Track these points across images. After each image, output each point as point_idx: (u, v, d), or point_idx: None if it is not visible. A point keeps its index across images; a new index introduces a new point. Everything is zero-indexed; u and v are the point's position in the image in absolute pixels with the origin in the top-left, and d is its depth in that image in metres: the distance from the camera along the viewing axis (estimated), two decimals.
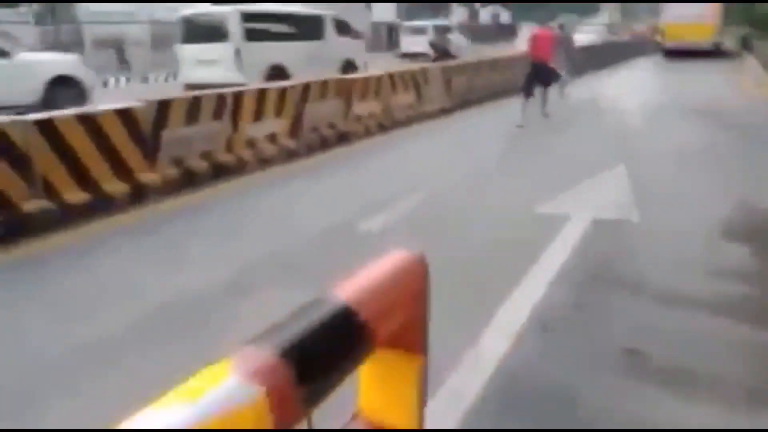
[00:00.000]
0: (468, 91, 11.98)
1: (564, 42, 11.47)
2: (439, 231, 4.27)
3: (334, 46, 13.66)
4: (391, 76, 9.49)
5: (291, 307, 1.03)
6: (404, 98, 9.79)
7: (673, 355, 2.53)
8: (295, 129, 7.31)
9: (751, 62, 18.19)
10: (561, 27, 12.67)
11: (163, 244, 4.17)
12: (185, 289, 3.31)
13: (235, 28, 11.53)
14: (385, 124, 9.02)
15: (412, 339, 1.24)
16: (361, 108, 8.62)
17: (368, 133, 8.57)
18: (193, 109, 5.94)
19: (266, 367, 0.82)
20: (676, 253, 3.71)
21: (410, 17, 40.42)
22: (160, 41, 20.15)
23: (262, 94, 6.89)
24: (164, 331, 2.86)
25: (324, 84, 7.93)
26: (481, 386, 2.33)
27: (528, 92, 9.27)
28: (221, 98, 6.31)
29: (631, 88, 14.41)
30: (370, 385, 1.27)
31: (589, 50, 18.52)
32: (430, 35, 23.64)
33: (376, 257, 1.21)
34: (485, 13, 56.01)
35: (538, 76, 9.42)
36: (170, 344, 2.72)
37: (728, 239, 3.92)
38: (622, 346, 2.59)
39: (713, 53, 22.47)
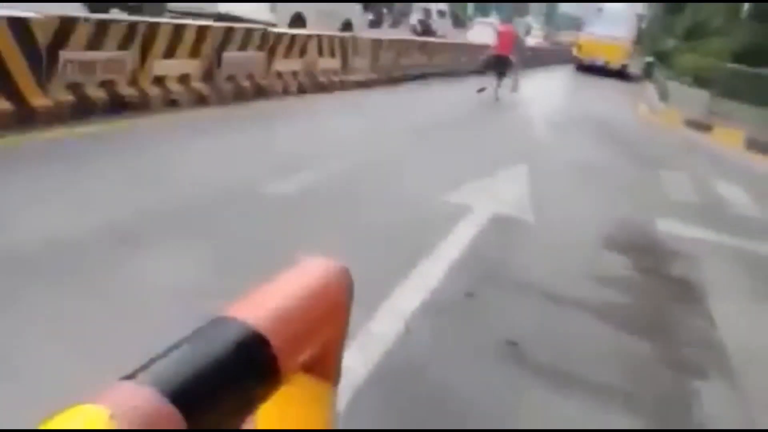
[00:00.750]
0: (394, 67, 11.95)
1: (519, 41, 12.69)
2: (347, 205, 4.24)
3: (339, 7, 15.12)
4: (319, 38, 9.21)
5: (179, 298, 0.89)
6: (330, 63, 9.56)
7: (550, 351, 2.70)
8: (209, 74, 6.89)
9: (650, 89, 19.83)
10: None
11: (35, 177, 3.75)
12: (47, 234, 3.01)
13: None
14: (306, 86, 8.77)
15: (326, 365, 1.05)
16: (283, 65, 8.30)
17: (287, 92, 8.29)
18: (99, 32, 5.37)
19: (147, 412, 0.64)
20: (564, 256, 3.96)
21: None
22: None
23: (178, 30, 6.40)
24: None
25: (248, 33, 7.52)
26: (368, 369, 2.34)
27: (500, 74, 11.24)
28: (132, 27, 5.77)
29: (551, 92, 15.13)
30: (268, 419, 1.03)
31: (533, 50, 19.96)
32: (419, 15, 28.13)
33: (289, 266, 1.04)
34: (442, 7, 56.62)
35: (499, 65, 11.19)
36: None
37: (610, 249, 4.24)
38: (504, 337, 2.72)
39: (621, 74, 24.03)
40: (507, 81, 11.54)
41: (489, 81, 11.33)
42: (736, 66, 13.28)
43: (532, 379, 2.47)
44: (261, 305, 0.89)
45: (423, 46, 13.86)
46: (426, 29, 25.92)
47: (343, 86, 9.67)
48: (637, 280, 3.75)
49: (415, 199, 4.58)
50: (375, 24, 23.22)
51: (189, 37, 6.51)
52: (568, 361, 2.63)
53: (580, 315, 3.12)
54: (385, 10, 31.07)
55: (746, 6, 12.96)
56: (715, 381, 2.67)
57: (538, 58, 21.53)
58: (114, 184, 3.83)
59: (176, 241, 3.12)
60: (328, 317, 1.04)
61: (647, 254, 4.28)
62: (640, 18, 27.70)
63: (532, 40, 25.69)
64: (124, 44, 5.69)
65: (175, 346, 0.76)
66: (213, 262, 2.94)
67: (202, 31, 6.72)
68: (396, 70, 11.98)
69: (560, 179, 6.16)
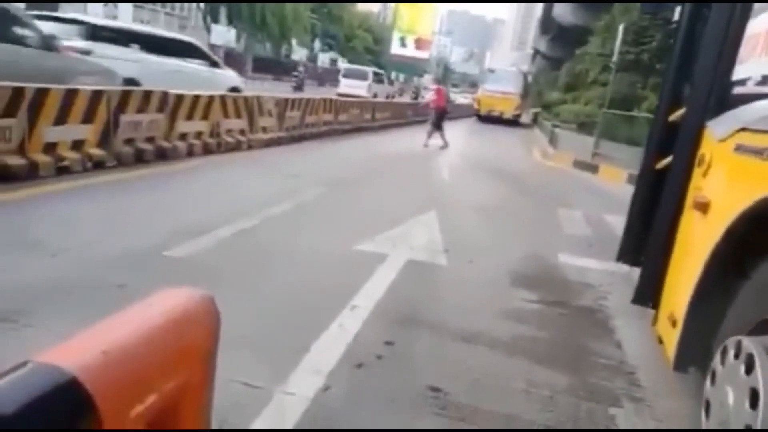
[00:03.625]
0: (300, 125, 12.11)
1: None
2: (256, 265, 4.14)
3: (219, 77, 12.95)
4: (222, 98, 9.18)
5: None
6: (236, 123, 9.52)
7: (469, 392, 2.72)
8: (106, 138, 6.62)
9: (540, 136, 21.90)
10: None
11: None
12: None
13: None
14: (213, 147, 8.64)
15: (183, 415, 0.86)
16: (186, 126, 8.16)
17: (192, 153, 8.12)
18: None
19: None
20: (476, 296, 4.08)
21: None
22: None
23: (70, 94, 6.14)
24: None
25: (146, 95, 7.35)
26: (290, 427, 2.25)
27: (438, 126, 14.01)
28: (18, 91, 5.47)
29: (455, 141, 15.96)
30: None
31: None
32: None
33: (143, 296, 0.87)
34: (324, 56, 58.51)
35: (439, 117, 14.01)
36: None
37: (518, 286, 4.42)
38: (426, 383, 2.72)
39: (514, 122, 28.29)
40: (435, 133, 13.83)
41: (401, 134, 11.85)
42: (612, 111, 14.77)
43: (454, 421, 2.47)
44: (86, 346, 0.73)
45: (328, 103, 14.19)
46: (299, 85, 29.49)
47: (251, 145, 9.63)
48: (545, 313, 3.93)
49: (329, 252, 4.57)
50: (298, 89, 25.19)
51: (82, 101, 6.25)
52: (487, 401, 2.67)
53: (495, 353, 3.19)
54: (301, 69, 32.64)
55: (614, 58, 14.56)
56: (628, 405, 2.81)
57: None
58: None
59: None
60: (180, 357, 0.85)
61: (552, 287, 4.51)
62: (525, 75, 33.16)
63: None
64: (11, 111, 5.37)
65: None
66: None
67: (96, 95, 6.48)
68: (303, 128, 12.14)
69: (467, 222, 6.42)
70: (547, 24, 43.82)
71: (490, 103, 28.28)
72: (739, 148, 2.49)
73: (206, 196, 6.11)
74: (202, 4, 41.99)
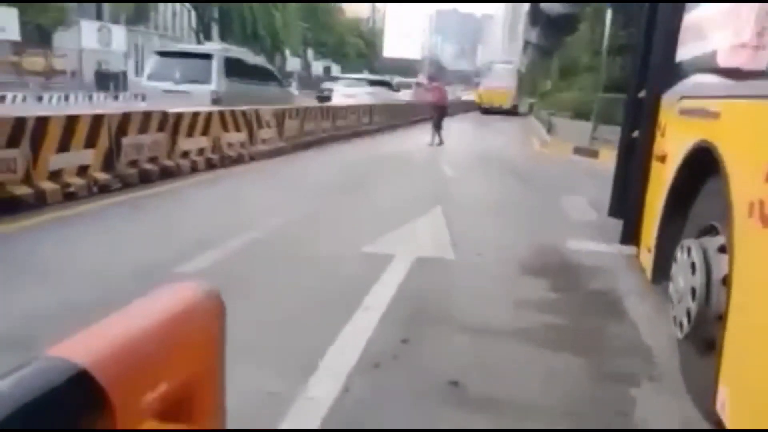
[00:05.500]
0: (300, 134, 12.17)
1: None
2: (267, 274, 4.19)
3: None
4: (221, 113, 9.26)
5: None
6: (236, 137, 9.59)
7: (488, 383, 2.75)
8: (109, 161, 6.68)
9: (537, 125, 22.13)
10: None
11: None
12: None
13: None
14: (215, 162, 8.71)
15: (194, 407, 0.87)
16: (188, 144, 8.22)
17: (196, 169, 8.19)
18: None
19: None
20: (487, 288, 4.10)
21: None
22: None
23: (71, 121, 6.21)
24: None
25: (146, 116, 7.43)
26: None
27: (438, 126, 13.94)
28: (19, 122, 5.54)
29: (460, 133, 16.07)
30: None
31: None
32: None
33: (148, 290, 0.88)
34: (317, 65, 58.81)
35: (440, 115, 13.96)
36: None
37: (527, 274, 4.45)
38: (444, 378, 2.74)
39: (511, 112, 32.33)
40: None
41: (401, 135, 11.88)
42: (607, 95, 14.76)
43: (477, 414, 2.50)
44: (96, 340, 0.74)
45: (325, 111, 14.26)
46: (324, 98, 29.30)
47: (253, 157, 9.69)
48: (557, 299, 3.95)
49: (338, 256, 4.60)
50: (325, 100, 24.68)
51: (83, 127, 6.32)
52: (508, 392, 2.69)
53: (509, 343, 3.22)
54: (328, 85, 31.60)
55: (605, 44, 14.56)
56: (647, 384, 2.82)
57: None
58: (14, 287, 3.56)
59: None
60: (189, 348, 0.86)
61: (561, 273, 4.53)
62: (517, 70, 38.30)
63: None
64: (14, 141, 5.44)
65: None
66: None
67: (97, 119, 6.55)
68: (302, 137, 12.20)
69: (473, 215, 6.44)
70: (535, 16, 43.83)
71: (489, 98, 32.81)
72: (682, 112, 3.39)
73: (212, 210, 6.16)
74: (194, 24, 42.21)
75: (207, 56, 12.14)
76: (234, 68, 12.32)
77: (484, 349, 3.11)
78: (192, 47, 16.70)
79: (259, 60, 15.60)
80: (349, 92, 26.44)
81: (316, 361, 2.81)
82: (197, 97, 10.97)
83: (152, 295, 0.86)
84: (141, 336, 0.78)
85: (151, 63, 13.11)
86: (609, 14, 13.79)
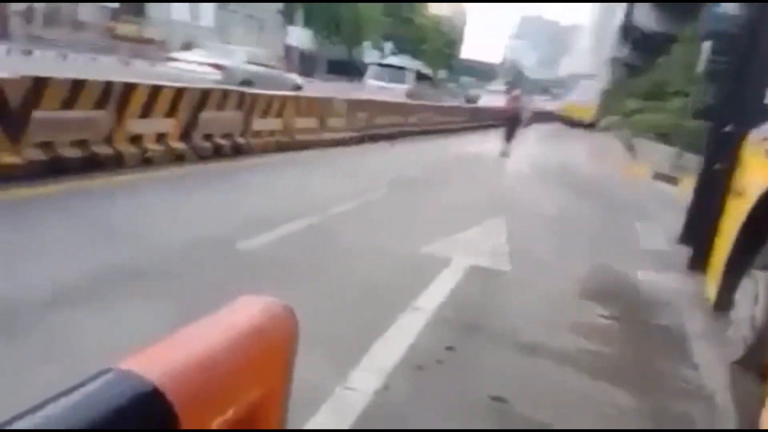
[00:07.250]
0: (368, 126, 12.23)
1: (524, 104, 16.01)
2: (322, 261, 4.19)
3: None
4: (296, 98, 9.42)
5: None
6: (307, 122, 9.74)
7: (533, 404, 2.63)
8: (187, 133, 6.93)
9: (616, 144, 21.27)
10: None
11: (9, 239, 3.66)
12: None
13: None
14: (285, 144, 8.87)
15: (261, 423, 0.85)
16: (261, 124, 8.42)
17: (266, 150, 8.37)
18: (74, 93, 5.40)
19: None
20: (542, 306, 3.94)
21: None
22: None
23: (155, 91, 6.47)
24: None
25: (225, 94, 7.65)
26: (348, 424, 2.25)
27: (510, 135, 13.34)
28: (108, 86, 5.82)
29: (535, 143, 15.67)
30: None
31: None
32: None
33: (222, 304, 0.85)
34: (394, 60, 59.27)
35: (512, 124, 13.47)
36: None
37: (586, 297, 4.24)
38: (487, 392, 2.64)
39: (591, 126, 33.68)
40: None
41: (469, 138, 11.68)
42: (696, 122, 13.89)
43: None
44: (167, 355, 0.72)
45: (398, 107, 14.27)
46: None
47: (321, 144, 9.81)
48: (615, 329, 3.74)
49: (394, 252, 4.56)
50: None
51: (165, 97, 6.57)
52: (552, 416, 2.56)
53: (560, 368, 3.06)
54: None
55: (700, 68, 13.72)
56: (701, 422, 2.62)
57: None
58: (86, 240, 3.74)
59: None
60: (260, 366, 0.83)
61: (624, 302, 4.29)
62: (601, 88, 40.76)
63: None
64: (101, 104, 5.72)
65: (51, 400, 0.60)
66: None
67: (178, 92, 6.80)
68: (371, 129, 12.24)
69: (537, 230, 6.22)
70: (628, 30, 42.06)
71: (571, 111, 36.10)
72: (766, 152, 3.56)
73: (278, 191, 6.27)
74: (281, 6, 43.24)
75: (402, 68, 23.41)
76: (417, 76, 20.98)
77: (531, 370, 2.98)
78: (394, 61, 27.56)
79: (428, 71, 24.54)
80: (379, 85, 22.06)
81: (360, 355, 2.78)
82: (397, 92, 17.91)
83: (227, 309, 0.83)
84: (214, 351, 0.75)
85: (371, 70, 23.58)
86: (708, 45, 12.97)
